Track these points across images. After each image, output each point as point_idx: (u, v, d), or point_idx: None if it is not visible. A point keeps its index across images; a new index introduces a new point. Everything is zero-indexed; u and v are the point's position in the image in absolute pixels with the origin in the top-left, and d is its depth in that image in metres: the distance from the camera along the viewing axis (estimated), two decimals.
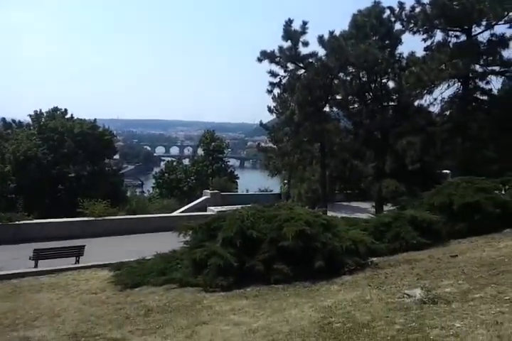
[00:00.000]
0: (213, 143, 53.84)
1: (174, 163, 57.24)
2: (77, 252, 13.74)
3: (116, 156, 39.59)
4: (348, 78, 20.88)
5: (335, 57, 17.26)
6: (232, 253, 7.98)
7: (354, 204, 24.26)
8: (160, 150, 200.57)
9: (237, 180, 56.97)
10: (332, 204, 20.83)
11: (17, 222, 17.57)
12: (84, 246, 13.93)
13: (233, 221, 8.51)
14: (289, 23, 18.65)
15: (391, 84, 23.59)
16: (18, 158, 31.86)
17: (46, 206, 30.89)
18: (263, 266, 7.95)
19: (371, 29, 21.18)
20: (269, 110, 48.15)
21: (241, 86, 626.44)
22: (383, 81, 23.67)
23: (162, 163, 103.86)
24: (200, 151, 63.58)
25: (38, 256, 12.95)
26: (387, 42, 21.88)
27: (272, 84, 19.39)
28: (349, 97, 23.32)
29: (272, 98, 47.66)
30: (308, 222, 8.43)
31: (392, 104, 24.20)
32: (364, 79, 23.03)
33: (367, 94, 23.73)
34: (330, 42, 17.56)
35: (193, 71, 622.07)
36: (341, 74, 19.39)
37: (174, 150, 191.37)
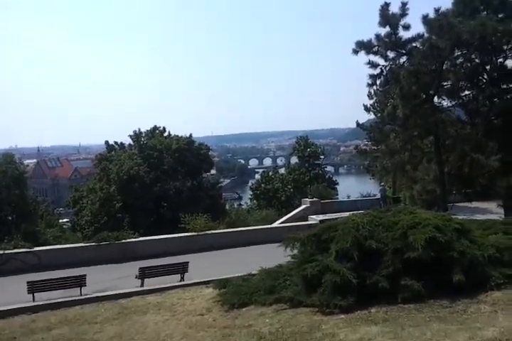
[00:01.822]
0: (308, 149, 52.99)
1: (270, 173, 57.36)
2: (182, 269, 13.65)
3: (213, 171, 40.40)
4: (459, 61, 18.81)
5: (445, 37, 15.39)
6: (350, 268, 6.99)
7: (473, 204, 21.75)
8: (253, 162, 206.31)
9: (337, 186, 55.41)
10: (447, 206, 18.72)
11: (123, 241, 18.18)
12: (188, 262, 13.81)
13: (347, 230, 7.52)
14: (385, 6, 17.19)
15: (509, 63, 20.94)
16: (122, 178, 33.84)
17: (150, 223, 32.30)
18: (387, 282, 6.84)
19: (481, 2, 18.93)
20: (366, 109, 46.29)
21: (329, 91, 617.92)
22: (499, 60, 21.13)
23: (257, 175, 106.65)
24: (294, 159, 63.44)
25: (144, 274, 13.04)
26: (500, 15, 19.44)
27: (372, 76, 17.95)
28: (460, 83, 21.10)
29: (368, 96, 46.15)
30: (438, 227, 7.18)
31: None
32: (477, 60, 20.68)
33: (481, 77, 21.32)
34: (437, 21, 15.75)
35: (273, 80, 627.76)
36: (453, 56, 17.31)
37: (267, 162, 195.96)
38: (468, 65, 20.79)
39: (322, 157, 57.04)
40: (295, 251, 8.92)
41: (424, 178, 18.09)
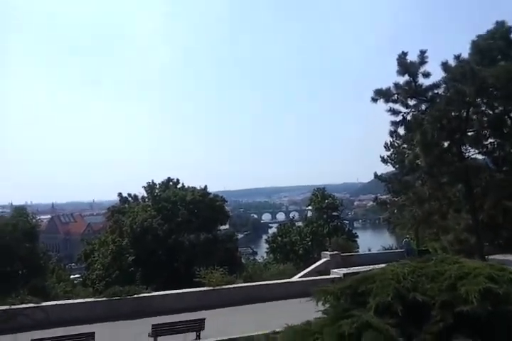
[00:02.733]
0: (326, 201, 52.30)
1: (287, 226, 56.37)
2: (198, 326, 12.80)
3: (227, 226, 39.89)
4: (481, 109, 18.62)
5: (468, 83, 15.29)
6: (393, 325, 6.19)
7: (508, 256, 20.63)
8: (266, 217, 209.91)
9: (357, 239, 54.12)
10: (485, 257, 17.71)
11: (135, 296, 17.40)
12: (204, 319, 12.96)
13: (387, 282, 6.79)
14: (402, 56, 17.39)
15: None
16: (135, 230, 33.37)
17: (164, 277, 31.29)
18: (437, 340, 6.01)
19: (499, 52, 19.06)
20: (383, 160, 46.36)
21: (337, 146, 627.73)
22: None
23: (270, 230, 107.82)
24: (310, 212, 62.90)
25: (157, 332, 12.23)
26: None
27: (394, 123, 17.81)
28: (484, 131, 20.82)
29: (385, 147, 46.49)
30: (491, 277, 6.43)
31: None
32: (500, 108, 20.50)
33: (504, 125, 21.02)
34: (459, 67, 15.73)
35: (284, 135, 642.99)
36: (478, 101, 17.16)
37: (280, 216, 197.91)
38: (491, 112, 20.65)
39: (340, 208, 56.33)
40: (322, 307, 8.14)
41: (455, 228, 17.28)
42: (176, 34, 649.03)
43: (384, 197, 46.96)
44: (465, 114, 17.02)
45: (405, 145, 46.13)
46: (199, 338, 12.59)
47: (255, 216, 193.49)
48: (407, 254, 28.58)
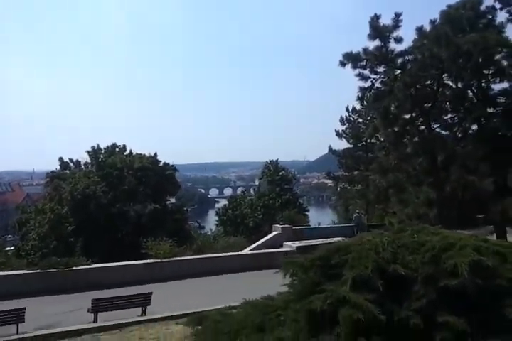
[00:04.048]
0: (281, 173, 52.16)
1: (238, 198, 55.96)
2: (143, 301, 11.98)
3: (173, 200, 38.80)
4: (448, 81, 18.37)
5: (443, 47, 14.83)
6: (372, 301, 5.62)
7: (465, 232, 21.11)
8: (214, 192, 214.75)
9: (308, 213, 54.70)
10: None
11: (75, 268, 16.32)
12: (151, 293, 12.16)
13: (364, 253, 6.22)
14: (375, 18, 16.67)
15: (496, 86, 20.80)
16: (76, 198, 31.59)
17: (107, 248, 30.03)
18: (420, 318, 5.51)
19: (468, 23, 18.75)
20: (338, 134, 46.61)
21: (289, 123, 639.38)
22: (483, 83, 20.93)
23: (217, 205, 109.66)
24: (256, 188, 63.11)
25: (98, 307, 11.29)
26: None
27: (362, 89, 17.21)
28: (446, 104, 20.74)
29: (341, 121, 46.66)
30: (478, 249, 5.99)
31: (499, 109, 21.21)
32: (465, 81, 20.37)
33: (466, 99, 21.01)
34: (434, 32, 15.23)
35: (238, 114, 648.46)
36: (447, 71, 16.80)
37: (227, 192, 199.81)
38: (454, 86, 20.52)
39: (293, 182, 56.45)
40: (285, 280, 7.50)
41: (414, 201, 17.20)
42: None
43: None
44: (436, 82, 16.68)
45: (360, 120, 46.80)
46: (145, 314, 11.83)
47: (202, 191, 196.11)
48: (357, 229, 29.03)
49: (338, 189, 51.11)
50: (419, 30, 16.26)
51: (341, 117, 45.99)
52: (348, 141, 45.52)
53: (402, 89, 15.61)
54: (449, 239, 6.33)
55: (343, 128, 45.49)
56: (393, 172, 16.54)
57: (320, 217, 69.82)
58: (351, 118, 45.42)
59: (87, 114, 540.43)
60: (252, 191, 76.30)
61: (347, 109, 45.56)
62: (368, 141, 44.08)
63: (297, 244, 22.94)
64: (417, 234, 7.06)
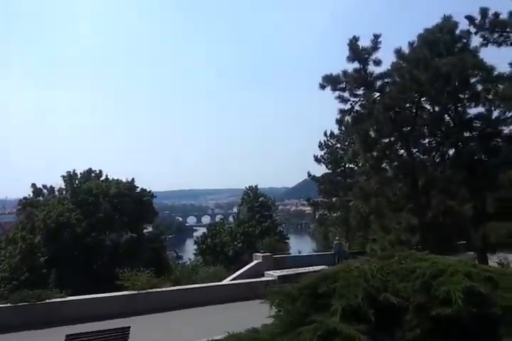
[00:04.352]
0: (261, 199, 51.93)
1: (217, 226, 55.33)
2: (121, 336, 11.45)
3: (150, 228, 38.04)
4: (425, 105, 18.77)
5: (422, 70, 15.15)
6: (363, 332, 5.42)
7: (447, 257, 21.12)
8: (191, 220, 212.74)
9: (288, 241, 54.33)
10: None
11: (48, 301, 15.61)
12: (128, 327, 11.62)
13: (353, 280, 6.05)
14: (354, 40, 17.00)
15: (471, 111, 21.35)
16: (49, 226, 30.63)
17: (81, 280, 29.00)
18: None
19: (444, 46, 19.35)
20: (316, 160, 46.91)
21: (266, 152, 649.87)
22: (459, 107, 21.46)
23: (195, 233, 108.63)
24: (234, 216, 62.51)
25: None
26: None
27: (342, 111, 17.37)
28: (424, 128, 21.11)
29: (319, 146, 47.03)
30: (469, 275, 5.88)
31: (476, 133, 21.69)
32: (440, 106, 20.84)
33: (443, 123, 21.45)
34: (413, 55, 15.57)
35: (215, 140, 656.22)
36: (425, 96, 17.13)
37: (205, 220, 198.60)
38: (431, 110, 20.95)
39: (273, 208, 56.13)
40: (270, 311, 7.24)
41: (395, 227, 17.19)
42: None
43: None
44: (415, 106, 16.96)
45: (339, 145, 47.31)
46: None
47: (180, 219, 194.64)
48: (338, 257, 28.81)
49: (317, 216, 51.10)
50: (398, 52, 16.64)
51: (320, 142, 46.38)
52: (326, 166, 45.82)
53: (382, 112, 15.83)
54: (439, 265, 6.22)
55: (322, 153, 45.88)
56: (375, 197, 16.54)
57: (299, 245, 69.53)
58: (330, 143, 45.82)
59: (63, 138, 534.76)
60: (231, 218, 75.85)
61: (325, 134, 46.01)
62: (347, 166, 44.50)
63: (279, 273, 22.59)
64: (404, 261, 6.93)
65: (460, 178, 16.61)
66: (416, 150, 20.86)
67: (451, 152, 21.09)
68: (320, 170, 46.45)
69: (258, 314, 8.88)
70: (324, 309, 6.13)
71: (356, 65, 16.94)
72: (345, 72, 16.98)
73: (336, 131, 45.38)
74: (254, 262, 26.55)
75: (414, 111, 17.50)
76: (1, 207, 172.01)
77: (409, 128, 17.37)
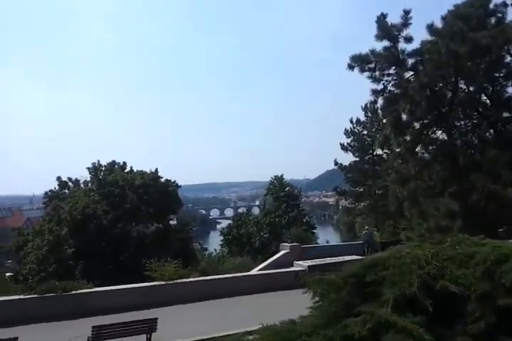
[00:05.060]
0: (287, 188, 51.37)
1: (244, 216, 55.03)
2: (149, 328, 11.13)
3: (174, 222, 37.86)
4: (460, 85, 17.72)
5: (459, 42, 14.23)
6: (419, 324, 4.84)
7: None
8: (215, 212, 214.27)
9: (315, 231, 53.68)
10: None
11: (74, 292, 15.51)
12: (156, 318, 11.31)
13: (406, 267, 5.46)
14: (382, 18, 16.12)
15: (510, 90, 20.21)
16: (76, 218, 30.72)
17: (108, 271, 29.08)
18: None
19: (478, 20, 18.24)
20: (343, 148, 45.93)
21: (287, 142, 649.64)
22: (496, 86, 20.33)
23: (218, 226, 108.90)
24: (257, 208, 62.32)
25: (99, 335, 10.45)
26: None
27: (375, 92, 16.56)
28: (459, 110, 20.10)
29: (345, 134, 46.00)
30: None
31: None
32: (474, 86, 19.75)
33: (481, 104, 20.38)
34: (448, 28, 14.66)
35: (237, 133, 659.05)
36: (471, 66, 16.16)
37: (228, 212, 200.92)
38: (466, 89, 19.93)
39: (300, 198, 55.48)
40: (308, 301, 6.71)
41: (433, 214, 16.38)
42: None
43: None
44: (453, 83, 16.01)
45: (365, 132, 46.20)
46: None
47: (203, 211, 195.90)
48: (367, 247, 28.08)
49: (341, 206, 50.47)
50: (430, 27, 15.69)
51: (345, 129, 45.45)
52: (353, 154, 44.94)
53: (418, 90, 14.94)
54: (503, 250, 5.57)
55: (348, 141, 44.96)
56: (414, 180, 15.76)
57: (324, 236, 68.97)
58: (356, 131, 44.86)
59: (86, 133, 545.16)
60: (254, 210, 75.70)
61: (351, 121, 45.06)
62: (375, 153, 43.52)
63: (309, 262, 22.13)
64: (459, 246, 6.31)
65: (504, 160, 15.66)
66: (452, 132, 19.94)
67: (487, 134, 20.15)
68: (347, 158, 45.47)
69: (291, 304, 8.37)
70: (373, 299, 5.56)
71: (386, 43, 16.14)
72: (373, 51, 16.16)
73: (363, 118, 44.51)
74: (282, 252, 26.16)
75: (450, 88, 16.55)
76: (28, 202, 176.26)
77: (446, 108, 16.43)
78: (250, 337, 7.87)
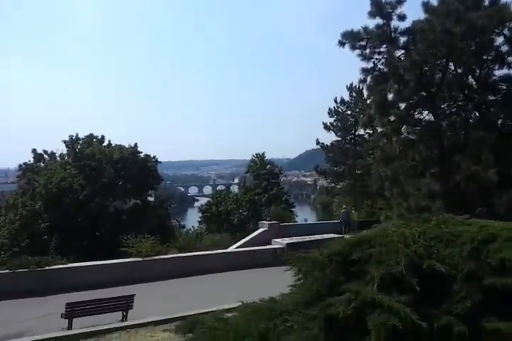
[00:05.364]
0: (268, 166, 51.32)
1: (223, 193, 54.93)
2: (125, 304, 11.00)
3: (151, 198, 37.43)
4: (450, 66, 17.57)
5: (454, 22, 14.04)
6: (407, 304, 4.76)
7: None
8: (193, 190, 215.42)
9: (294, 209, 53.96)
10: None
11: (48, 268, 15.23)
12: (133, 295, 11.19)
13: (393, 246, 5.36)
14: None
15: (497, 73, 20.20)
16: (51, 191, 30.07)
17: (84, 247, 28.74)
18: (465, 324, 4.68)
19: (473, 1, 17.96)
20: (326, 127, 45.86)
21: (268, 123, 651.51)
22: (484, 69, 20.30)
23: (196, 203, 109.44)
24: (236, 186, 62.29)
25: (73, 312, 10.27)
26: None
27: (365, 70, 16.33)
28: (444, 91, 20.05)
29: (329, 113, 45.90)
30: None
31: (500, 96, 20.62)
32: (463, 67, 19.66)
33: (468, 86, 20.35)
34: (445, 6, 14.41)
35: (216, 111, 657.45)
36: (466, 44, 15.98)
37: (207, 190, 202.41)
38: (454, 71, 19.87)
39: (281, 175, 55.54)
40: (287, 279, 6.60)
41: (414, 194, 16.47)
42: None
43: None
44: (445, 63, 15.88)
45: (349, 112, 46.17)
46: (126, 319, 10.85)
47: (182, 189, 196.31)
48: (345, 226, 28.44)
49: (318, 187, 51.02)
50: (426, 5, 15.44)
51: (329, 109, 45.33)
52: (336, 134, 44.97)
53: (409, 69, 14.76)
54: (490, 230, 5.51)
55: (331, 120, 44.93)
56: (398, 160, 15.75)
57: (301, 215, 69.98)
58: (339, 110, 44.79)
59: (66, 107, 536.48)
60: (232, 189, 75.90)
61: (335, 101, 44.96)
62: (357, 133, 43.62)
63: (287, 240, 22.29)
64: (444, 225, 6.24)
65: (490, 142, 15.70)
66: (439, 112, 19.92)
67: (472, 116, 20.21)
68: (329, 138, 45.50)
69: (270, 282, 8.26)
70: (358, 277, 5.45)
71: (378, 20, 15.84)
72: (365, 29, 15.87)
73: (347, 98, 44.41)
74: (261, 230, 26.39)
75: (440, 69, 16.42)
76: (3, 176, 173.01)
77: (435, 88, 16.32)
78: (229, 315, 7.78)
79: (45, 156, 36.08)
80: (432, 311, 4.89)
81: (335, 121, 45.31)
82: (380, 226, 6.31)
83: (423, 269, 5.15)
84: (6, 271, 14.78)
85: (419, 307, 4.85)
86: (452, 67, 19.48)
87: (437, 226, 6.23)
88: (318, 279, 5.97)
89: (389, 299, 4.78)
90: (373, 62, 16.23)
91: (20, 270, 14.71)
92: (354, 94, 44.05)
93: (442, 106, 20.14)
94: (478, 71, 19.53)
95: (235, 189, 63.78)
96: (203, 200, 70.66)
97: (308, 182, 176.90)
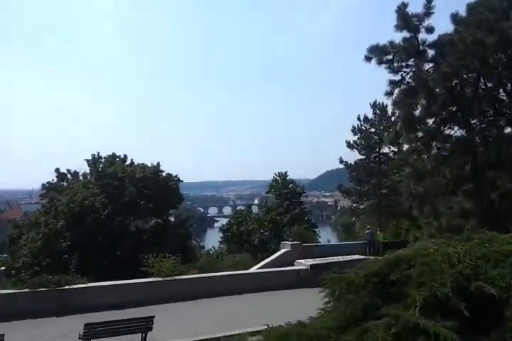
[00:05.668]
0: (290, 185, 50.85)
1: (244, 213, 54.52)
2: (145, 326, 10.64)
3: (172, 219, 37.40)
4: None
5: (486, 32, 13.67)
6: (451, 329, 4.32)
7: None
8: (213, 211, 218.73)
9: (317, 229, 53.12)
10: None
11: (68, 287, 15.03)
12: (152, 317, 10.82)
13: (436, 266, 4.91)
14: (402, 7, 15.55)
15: None
16: (73, 210, 30.18)
17: (104, 266, 28.56)
18: None
19: (502, 12, 17.57)
20: (349, 145, 45.37)
21: (288, 144, 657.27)
22: None
23: (216, 224, 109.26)
24: (256, 207, 62.11)
25: (91, 333, 9.95)
26: None
27: (393, 82, 16.00)
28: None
29: (352, 131, 45.45)
30: None
31: None
32: (493, 81, 19.16)
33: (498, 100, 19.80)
34: (474, 17, 14.06)
35: (237, 132, 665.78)
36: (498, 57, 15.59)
37: (226, 210, 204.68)
38: (483, 86, 19.38)
39: (303, 195, 54.88)
40: (320, 301, 6.17)
41: (445, 213, 15.85)
42: None
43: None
44: (481, 70, 15.36)
45: (373, 130, 45.63)
46: None
47: (201, 209, 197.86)
48: (369, 247, 27.71)
49: (339, 207, 50.57)
50: (454, 16, 15.10)
51: (353, 127, 44.91)
52: (359, 152, 44.43)
53: (439, 82, 14.35)
54: None
55: (355, 138, 44.48)
56: (431, 177, 15.21)
57: (323, 236, 69.29)
58: (363, 128, 44.33)
59: (87, 126, 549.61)
60: (253, 209, 75.68)
61: (358, 118, 44.56)
62: (381, 151, 43.02)
63: (311, 262, 21.73)
64: (489, 243, 5.78)
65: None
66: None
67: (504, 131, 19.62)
68: (352, 157, 45.00)
69: (295, 304, 7.84)
70: (396, 300, 5.03)
71: (405, 33, 15.56)
72: (391, 43, 15.59)
73: (371, 116, 44.00)
74: (282, 250, 25.98)
75: (471, 81, 15.96)
76: (28, 197, 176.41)
77: (467, 102, 15.85)
78: (253, 338, 7.37)
79: (68, 175, 36.41)
80: (482, 339, 4.45)
81: (358, 139, 44.84)
82: (417, 245, 5.88)
83: (470, 291, 4.72)
84: (26, 289, 14.63)
85: (466, 334, 4.42)
86: (482, 81, 19.03)
87: (481, 245, 5.79)
88: (352, 302, 5.55)
89: (434, 324, 4.36)
90: (401, 75, 15.92)
91: (39, 289, 14.54)
92: (378, 111, 43.62)
93: (473, 122, 19.63)
94: (509, 85, 19.03)
95: (254, 209, 63.31)
96: (223, 221, 70.47)
97: (329, 203, 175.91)
